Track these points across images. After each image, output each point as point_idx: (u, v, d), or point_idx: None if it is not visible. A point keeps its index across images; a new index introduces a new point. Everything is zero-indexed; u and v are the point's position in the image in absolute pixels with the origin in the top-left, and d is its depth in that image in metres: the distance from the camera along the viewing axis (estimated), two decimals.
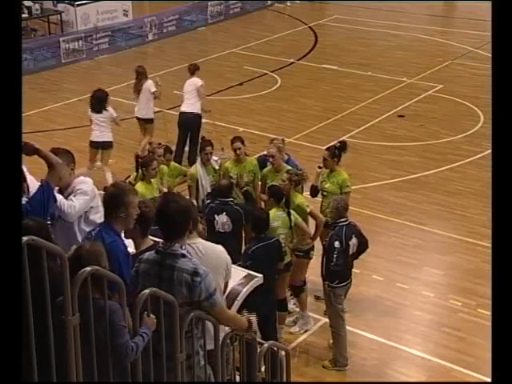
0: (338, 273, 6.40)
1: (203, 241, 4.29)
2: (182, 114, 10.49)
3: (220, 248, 4.35)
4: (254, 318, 4.38)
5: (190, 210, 3.80)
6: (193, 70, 10.62)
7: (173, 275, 3.64)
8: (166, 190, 7.34)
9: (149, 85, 10.41)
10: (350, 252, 6.44)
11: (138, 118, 10.69)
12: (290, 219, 6.56)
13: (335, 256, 6.33)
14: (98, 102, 9.64)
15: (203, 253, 4.17)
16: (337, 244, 6.33)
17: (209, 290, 3.69)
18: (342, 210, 6.43)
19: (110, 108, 9.73)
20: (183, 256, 3.69)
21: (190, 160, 9.91)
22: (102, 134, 9.69)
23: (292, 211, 6.63)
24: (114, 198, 4.08)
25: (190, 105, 10.38)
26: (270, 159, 7.36)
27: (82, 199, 4.66)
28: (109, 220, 4.11)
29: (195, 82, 10.48)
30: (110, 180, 9.29)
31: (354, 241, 6.45)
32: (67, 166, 4.73)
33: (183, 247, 3.72)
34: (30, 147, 4.10)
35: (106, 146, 9.77)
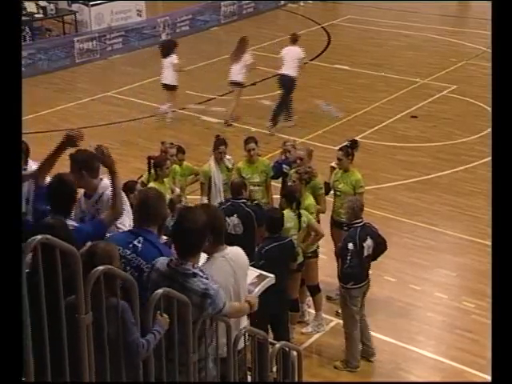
0: (352, 274, 6.38)
1: (230, 248, 4.21)
2: (280, 75, 11.94)
3: (239, 250, 4.30)
4: (255, 294, 4.26)
5: (206, 228, 3.71)
6: (294, 40, 12.05)
7: (183, 294, 3.60)
8: (178, 189, 7.36)
9: (247, 57, 12.00)
10: (365, 254, 6.40)
11: (230, 82, 12.19)
12: (300, 221, 6.55)
13: (349, 258, 6.32)
14: (165, 48, 12.07)
15: (234, 260, 4.14)
16: (350, 246, 6.32)
17: (218, 308, 3.69)
18: (358, 211, 6.40)
19: (173, 55, 11.91)
20: (194, 275, 3.64)
21: (274, 118, 11.79)
22: (164, 76, 12.00)
23: (305, 212, 6.62)
24: (159, 208, 4.05)
25: (288, 68, 11.78)
26: (298, 161, 7.33)
27: (125, 213, 4.52)
28: (152, 227, 4.04)
29: (297, 51, 11.91)
30: (163, 107, 12.17)
31: (368, 242, 6.40)
32: (96, 172, 4.66)
33: (195, 265, 3.68)
34: (108, 159, 4.10)
35: (167, 87, 12.08)
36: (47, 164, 4.31)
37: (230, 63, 12.19)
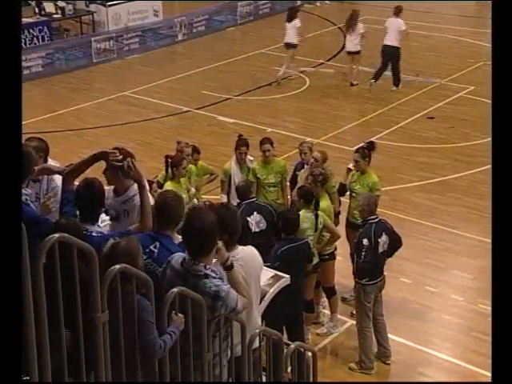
0: (366, 270, 6.39)
1: (242, 248, 4.18)
2: (384, 46, 13.52)
3: (253, 250, 4.29)
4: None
5: (215, 228, 3.67)
6: (397, 12, 13.58)
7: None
8: (193, 189, 7.38)
9: (360, 27, 13.93)
10: (380, 250, 6.39)
11: (348, 52, 14.21)
12: (317, 221, 6.55)
13: (363, 253, 6.34)
14: (289, 14, 14.42)
15: (245, 261, 4.10)
16: (365, 241, 6.34)
17: (230, 308, 3.68)
18: (373, 207, 6.43)
19: (296, 20, 14.15)
20: (206, 277, 3.62)
21: (394, 81, 13.69)
22: (287, 36, 14.21)
23: (321, 213, 6.61)
24: (178, 211, 3.99)
25: (391, 39, 13.34)
26: (313, 161, 7.34)
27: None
28: (170, 231, 4.01)
29: (399, 23, 13.37)
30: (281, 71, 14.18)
31: (383, 238, 6.40)
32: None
33: (207, 267, 3.65)
34: (136, 173, 4.09)
35: (290, 45, 14.26)
36: (77, 170, 4.33)
37: (344, 34, 14.49)
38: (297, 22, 14.22)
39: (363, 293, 6.41)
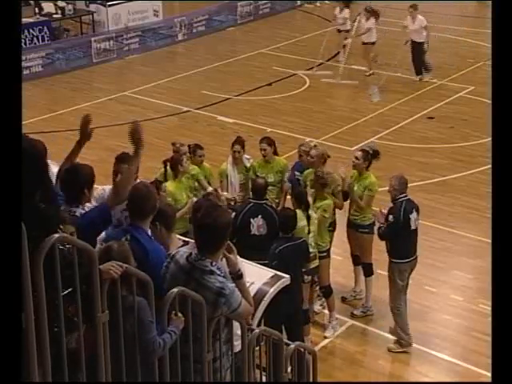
0: (383, 236, 6.64)
1: None
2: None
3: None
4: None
5: (226, 228, 3.66)
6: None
7: (198, 291, 3.59)
8: (210, 188, 7.26)
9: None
10: (413, 227, 6.60)
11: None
12: (309, 223, 6.53)
13: (387, 229, 6.56)
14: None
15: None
16: (390, 218, 6.59)
17: (233, 307, 3.67)
18: (403, 187, 6.65)
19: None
20: (211, 273, 3.61)
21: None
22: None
23: (313, 214, 6.60)
24: (145, 203, 3.98)
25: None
26: (309, 158, 7.35)
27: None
28: (141, 223, 3.99)
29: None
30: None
31: (414, 215, 6.63)
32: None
33: (214, 263, 3.65)
34: (137, 138, 4.08)
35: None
36: (68, 159, 4.62)
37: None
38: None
39: (398, 272, 6.57)
